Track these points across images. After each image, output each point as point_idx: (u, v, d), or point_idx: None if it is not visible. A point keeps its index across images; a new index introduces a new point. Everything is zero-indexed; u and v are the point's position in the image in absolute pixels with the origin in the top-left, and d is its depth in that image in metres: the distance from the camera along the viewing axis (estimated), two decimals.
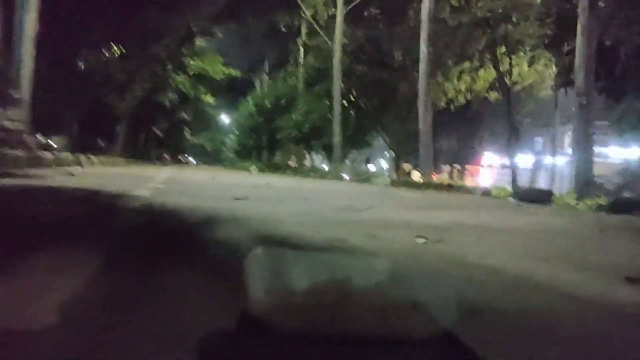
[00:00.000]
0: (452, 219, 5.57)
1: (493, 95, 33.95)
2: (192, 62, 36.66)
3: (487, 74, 32.36)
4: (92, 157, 19.38)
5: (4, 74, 13.66)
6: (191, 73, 38.22)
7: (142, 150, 43.04)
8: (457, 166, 51.31)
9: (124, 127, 32.11)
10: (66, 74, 28.44)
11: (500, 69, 28.01)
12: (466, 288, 1.88)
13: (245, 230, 3.41)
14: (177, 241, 2.88)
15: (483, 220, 5.65)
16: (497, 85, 32.10)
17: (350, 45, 32.25)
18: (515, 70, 28.62)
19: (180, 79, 37.58)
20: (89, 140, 33.91)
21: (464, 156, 52.20)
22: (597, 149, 18.69)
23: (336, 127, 29.42)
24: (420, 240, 3.40)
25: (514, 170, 27.62)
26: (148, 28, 28.65)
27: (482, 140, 50.70)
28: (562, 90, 30.39)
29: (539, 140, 50.61)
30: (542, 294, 2.04)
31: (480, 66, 32.44)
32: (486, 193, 13.03)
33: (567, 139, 37.43)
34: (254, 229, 3.58)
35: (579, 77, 16.12)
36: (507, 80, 27.50)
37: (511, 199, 11.08)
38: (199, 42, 36.36)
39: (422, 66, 22.13)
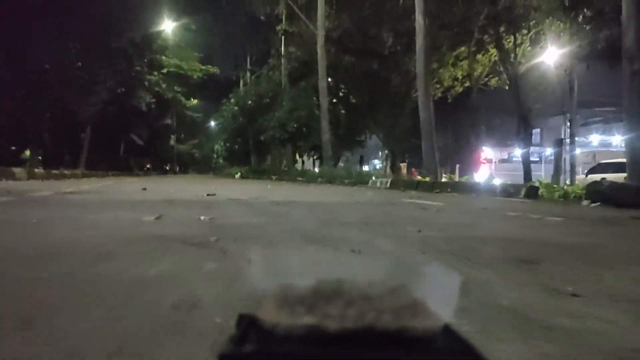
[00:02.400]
0: None
1: (493, 81, 29.74)
2: (164, 58, 32.08)
3: (487, 57, 28.15)
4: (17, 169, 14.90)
5: None
6: (165, 71, 33.68)
7: (120, 160, 38.48)
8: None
9: (89, 134, 27.53)
10: (19, 73, 23.89)
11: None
12: None
13: None
14: None
15: None
16: (498, 68, 27.90)
17: (336, 30, 27.85)
18: (519, 50, 24.31)
19: (153, 78, 33.04)
20: (56, 152, 29.43)
21: (459, 152, 47.65)
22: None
23: (324, 124, 25.01)
24: None
25: (526, 164, 23.32)
26: (107, 19, 24.14)
27: (478, 134, 46.44)
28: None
29: (535, 132, 46.48)
30: None
31: (478, 50, 28.25)
32: (532, 195, 8.64)
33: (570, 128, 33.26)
34: None
35: (628, 35, 11.74)
36: (510, 62, 23.18)
37: (588, 203, 6.71)
38: (171, 36, 31.81)
39: (420, 41, 17.78)
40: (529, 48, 24.95)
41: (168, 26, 31.66)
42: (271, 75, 32.38)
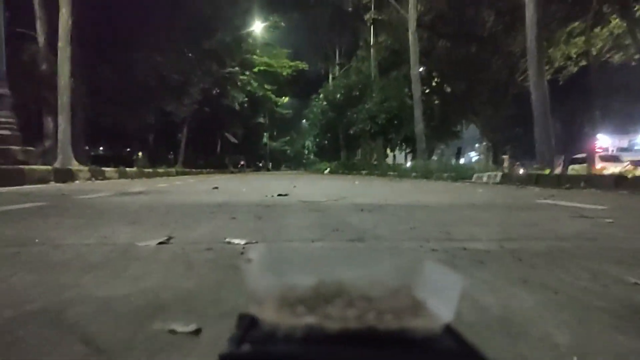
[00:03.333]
0: None
1: (617, 57, 25.16)
2: (254, 57, 31.69)
3: (609, 29, 23.80)
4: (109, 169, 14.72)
5: None
6: (256, 70, 33.38)
7: (216, 158, 39.20)
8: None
9: (186, 134, 27.86)
10: (119, 79, 24.71)
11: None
12: None
13: None
14: None
15: None
16: (625, 42, 23.46)
17: (429, 13, 25.26)
18: None
19: (245, 77, 32.89)
20: (159, 151, 30.40)
21: (571, 142, 41.82)
22: None
23: (417, 114, 22.70)
24: None
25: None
26: (197, 21, 24.02)
27: (593, 121, 40.54)
28: None
29: None
30: None
31: (597, 23, 24.00)
32: None
33: None
34: None
35: None
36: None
37: None
38: (260, 35, 31.31)
39: (530, 9, 14.97)
40: None
41: (257, 26, 31.27)
42: (360, 66, 30.58)
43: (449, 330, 0.34)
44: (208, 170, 28.77)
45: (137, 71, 24.88)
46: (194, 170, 26.10)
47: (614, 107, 40.35)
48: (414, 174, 16.44)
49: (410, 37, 22.82)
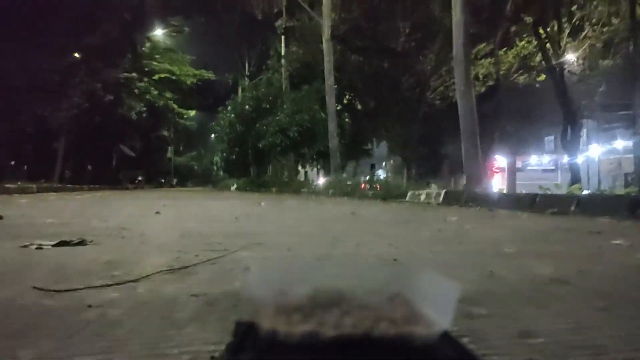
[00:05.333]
0: None
1: (521, 79, 25.02)
2: (154, 63, 27.46)
3: (516, 50, 23.53)
4: None
5: None
6: (156, 77, 29.07)
7: (111, 173, 33.73)
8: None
9: (64, 144, 22.79)
10: None
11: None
12: None
13: None
14: None
15: None
16: (530, 63, 23.27)
17: (342, 24, 23.19)
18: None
19: (143, 84, 28.44)
20: (23, 162, 24.74)
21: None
22: None
23: (332, 127, 20.30)
24: None
25: (575, 171, 18.61)
26: (76, 11, 19.59)
27: (491, 142, 41.60)
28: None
29: (549, 140, 41.60)
30: None
31: (503, 44, 23.65)
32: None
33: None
34: None
35: None
36: (555, 49, 18.52)
37: None
38: (162, 40, 27.24)
39: (457, 12, 13.17)
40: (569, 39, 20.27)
41: (157, 31, 27.25)
42: (270, 77, 27.72)
43: (445, 337, 0.33)
44: (91, 186, 23.74)
45: (4, 67, 19.77)
46: (76, 186, 21.18)
47: (508, 131, 41.43)
48: (330, 191, 13.75)
49: (325, 44, 20.48)
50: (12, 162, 24.16)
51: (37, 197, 11.48)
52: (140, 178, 34.92)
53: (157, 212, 5.59)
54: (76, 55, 20.89)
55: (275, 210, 6.46)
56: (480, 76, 25.76)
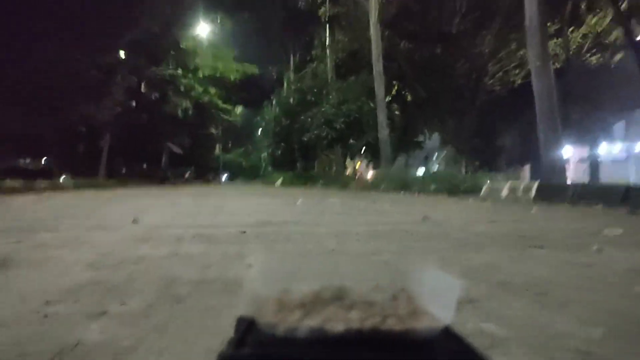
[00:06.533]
0: None
1: (594, 59, 21.81)
2: (198, 61, 26.50)
3: (587, 28, 20.49)
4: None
5: None
6: (200, 74, 28.15)
7: (159, 170, 33.47)
8: None
9: (108, 141, 22.24)
10: (20, 77, 19.03)
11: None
12: None
13: None
14: None
15: None
16: (604, 40, 20.18)
17: (391, 7, 21.00)
18: None
19: (187, 80, 27.63)
20: (71, 159, 24.50)
21: (529, 152, 38.18)
22: None
23: (381, 117, 18.37)
24: None
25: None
26: (116, 6, 18.79)
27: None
28: None
29: (619, 127, 37.03)
30: None
31: (573, 21, 20.69)
32: None
33: None
34: None
35: None
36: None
37: None
38: (204, 34, 26.25)
39: None
40: None
41: (201, 28, 26.29)
42: (315, 69, 26.00)
43: (448, 332, 0.33)
44: (138, 182, 23.14)
45: (45, 66, 19.33)
46: (111, 181, 20.56)
47: (574, 118, 37.29)
48: (383, 185, 11.84)
49: (372, 29, 18.54)
50: (53, 161, 24.03)
51: (76, 195, 10.45)
52: (187, 175, 34.50)
53: (134, 221, 4.03)
54: (119, 52, 20.15)
55: (310, 216, 4.71)
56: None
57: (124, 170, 29.77)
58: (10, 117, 19.95)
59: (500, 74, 24.49)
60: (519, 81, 23.46)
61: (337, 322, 0.31)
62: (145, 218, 4.06)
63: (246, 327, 0.33)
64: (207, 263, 2.17)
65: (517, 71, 23.62)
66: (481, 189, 8.04)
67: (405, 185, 10.14)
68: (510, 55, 23.12)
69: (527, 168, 34.42)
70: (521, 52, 22.15)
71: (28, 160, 23.93)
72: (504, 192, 6.43)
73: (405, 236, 2.69)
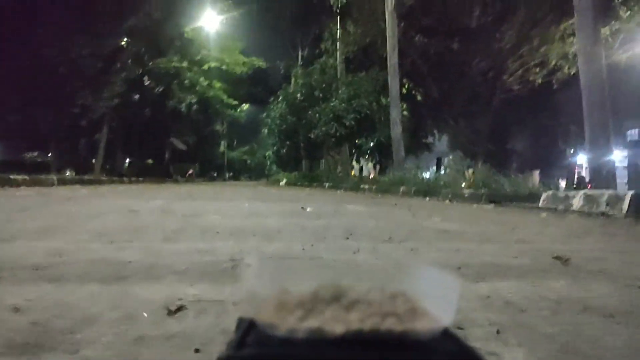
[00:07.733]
0: None
1: (623, 57, 20.01)
2: (203, 52, 24.95)
3: (613, 25, 18.68)
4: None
5: None
6: (206, 67, 26.63)
7: (162, 166, 31.99)
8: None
9: (106, 135, 20.72)
10: (20, 66, 17.60)
11: None
12: None
13: None
14: None
15: None
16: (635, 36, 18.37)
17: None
18: None
19: (192, 74, 26.11)
20: (69, 153, 23.07)
21: (541, 157, 36.14)
22: None
23: (395, 114, 16.73)
24: None
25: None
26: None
27: (567, 135, 35.40)
28: None
29: (631, 134, 35.10)
30: None
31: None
32: None
33: None
34: None
35: None
36: None
37: None
38: (209, 23, 24.68)
39: None
40: None
41: (206, 19, 24.73)
42: (323, 64, 24.35)
43: (447, 333, 0.33)
44: (140, 179, 21.63)
45: (46, 54, 17.91)
46: (114, 178, 19.05)
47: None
48: (402, 188, 10.18)
49: (388, 17, 16.89)
50: (49, 154, 22.61)
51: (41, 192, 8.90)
52: (190, 172, 33.01)
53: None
54: (119, 38, 18.63)
55: (332, 242, 2.86)
56: (570, 56, 20.96)
57: (125, 166, 28.34)
58: (11, 107, 18.68)
59: (520, 72, 22.71)
60: (539, 80, 21.71)
61: (337, 322, 0.31)
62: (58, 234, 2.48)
63: (246, 328, 0.33)
64: None
65: (537, 70, 21.85)
66: (525, 195, 6.37)
67: (430, 190, 8.50)
68: (531, 51, 21.36)
69: (536, 173, 32.39)
70: (542, 50, 20.44)
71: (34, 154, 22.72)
72: (576, 203, 4.81)
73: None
